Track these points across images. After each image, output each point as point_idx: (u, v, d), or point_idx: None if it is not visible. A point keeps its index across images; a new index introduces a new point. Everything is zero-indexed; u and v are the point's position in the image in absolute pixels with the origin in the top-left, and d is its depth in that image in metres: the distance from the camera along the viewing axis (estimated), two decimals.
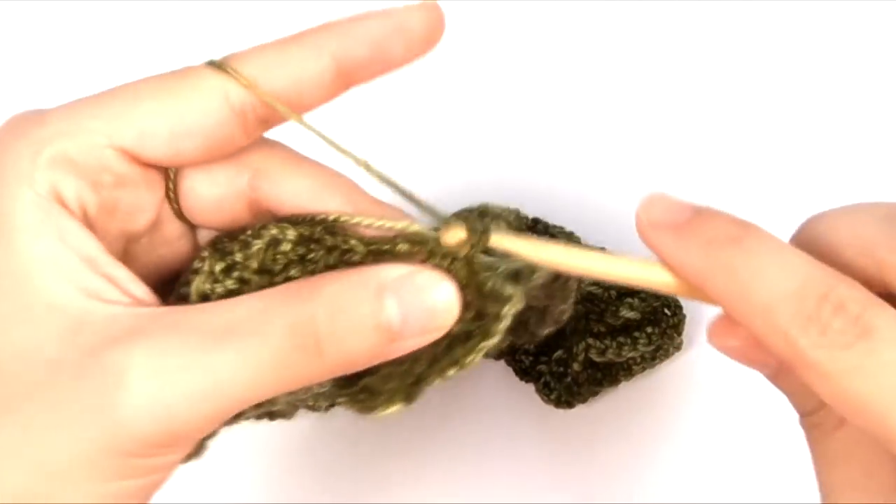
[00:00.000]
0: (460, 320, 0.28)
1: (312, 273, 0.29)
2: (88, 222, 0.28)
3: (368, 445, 0.47)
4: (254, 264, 0.29)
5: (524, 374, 0.46)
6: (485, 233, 0.28)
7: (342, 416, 0.47)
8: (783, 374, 0.28)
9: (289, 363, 0.26)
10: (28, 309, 0.26)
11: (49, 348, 0.25)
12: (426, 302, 0.26)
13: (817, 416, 0.28)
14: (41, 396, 0.25)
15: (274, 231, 0.29)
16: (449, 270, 0.28)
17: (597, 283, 0.41)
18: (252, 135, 0.29)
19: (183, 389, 0.25)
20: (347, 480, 0.47)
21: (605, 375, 0.42)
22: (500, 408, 0.47)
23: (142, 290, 0.28)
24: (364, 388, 0.30)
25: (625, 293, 0.41)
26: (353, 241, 0.29)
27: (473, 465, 0.47)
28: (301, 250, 0.29)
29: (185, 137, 0.28)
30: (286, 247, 0.29)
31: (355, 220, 0.29)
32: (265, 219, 0.31)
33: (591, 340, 0.40)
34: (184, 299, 0.30)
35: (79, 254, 0.26)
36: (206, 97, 0.28)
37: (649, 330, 0.41)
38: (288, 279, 0.29)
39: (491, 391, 0.48)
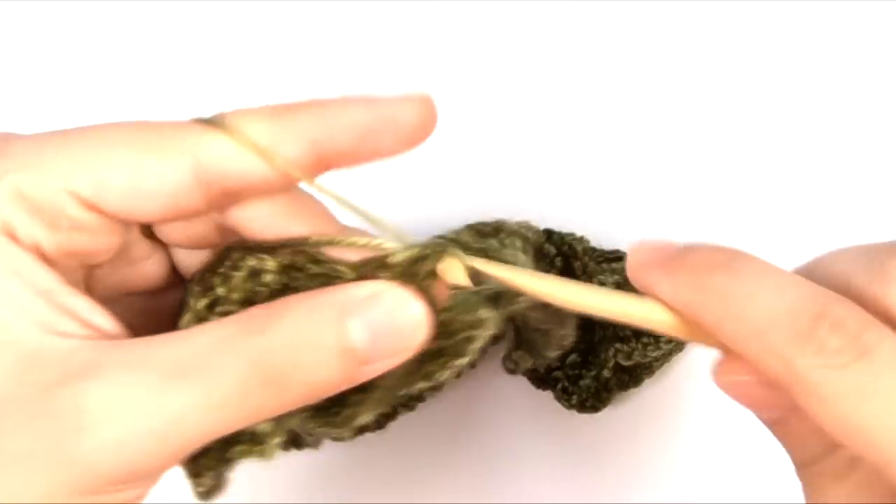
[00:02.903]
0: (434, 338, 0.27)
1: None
2: (44, 257, 0.26)
3: (382, 455, 0.46)
4: (236, 296, 0.28)
5: (540, 382, 0.46)
6: (438, 254, 0.27)
7: None
8: (785, 420, 0.27)
9: (251, 398, 0.25)
10: None
11: (2, 385, 0.24)
12: (394, 322, 0.26)
13: (820, 465, 0.27)
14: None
15: (252, 262, 0.28)
16: (423, 289, 0.27)
17: (619, 287, 0.41)
18: (217, 205, 0.28)
19: (140, 428, 0.24)
20: (360, 490, 0.46)
21: (632, 377, 0.42)
22: (516, 416, 0.47)
23: (104, 319, 0.26)
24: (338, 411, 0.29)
25: None
26: (340, 267, 0.28)
27: (491, 472, 0.47)
28: (284, 279, 0.28)
29: (144, 197, 0.26)
30: (267, 277, 0.28)
31: (326, 241, 0.28)
32: (240, 242, 0.29)
33: (618, 345, 0.40)
34: None
35: (34, 287, 0.26)
36: (171, 162, 0.26)
37: None
38: None
39: (507, 400, 0.47)
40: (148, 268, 0.31)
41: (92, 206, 0.27)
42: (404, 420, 0.45)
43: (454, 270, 0.28)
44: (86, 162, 0.26)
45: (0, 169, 0.26)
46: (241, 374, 0.25)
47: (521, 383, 0.47)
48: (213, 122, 0.27)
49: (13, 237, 0.26)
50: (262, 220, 0.29)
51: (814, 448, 0.27)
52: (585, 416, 0.45)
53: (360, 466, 0.47)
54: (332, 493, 0.47)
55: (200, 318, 0.28)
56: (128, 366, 0.25)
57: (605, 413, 0.45)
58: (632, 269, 0.26)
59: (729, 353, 0.26)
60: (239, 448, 0.28)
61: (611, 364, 0.41)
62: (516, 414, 0.47)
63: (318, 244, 0.28)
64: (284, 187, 0.28)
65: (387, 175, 0.43)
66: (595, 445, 0.47)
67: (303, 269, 0.28)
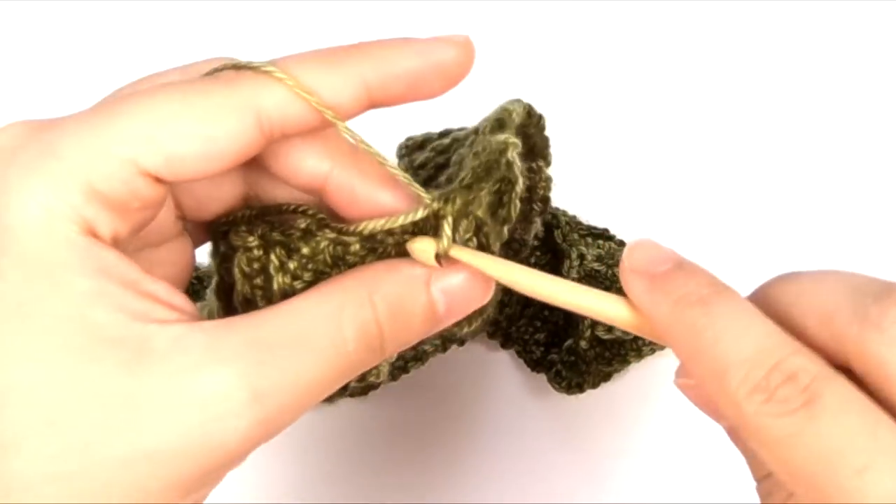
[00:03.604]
0: None
1: (382, 256, 0.30)
2: (119, 245, 0.27)
3: (377, 436, 0.47)
4: (326, 258, 0.30)
5: (536, 364, 0.46)
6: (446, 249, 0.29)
7: (349, 406, 0.47)
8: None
9: (358, 361, 0.27)
10: (88, 347, 0.25)
11: (119, 381, 0.25)
12: (464, 288, 0.29)
13: (769, 482, 0.27)
14: (125, 428, 0.25)
15: (331, 235, 0.30)
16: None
17: (600, 261, 0.41)
18: (269, 147, 0.29)
19: (281, 406, 0.26)
20: (356, 470, 0.47)
21: (614, 355, 0.42)
22: (511, 398, 0.47)
23: (179, 299, 0.27)
24: None
25: None
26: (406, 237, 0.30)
27: (485, 455, 0.47)
28: (368, 245, 0.30)
29: (214, 159, 0.27)
30: (356, 247, 0.30)
31: (371, 227, 0.30)
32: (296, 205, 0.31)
33: None
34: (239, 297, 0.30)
35: (122, 281, 0.26)
36: (238, 119, 0.27)
37: None
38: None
39: (502, 383, 0.48)
40: (161, 222, 0.31)
41: (162, 180, 0.27)
42: (394, 398, 0.46)
43: (426, 252, 0.29)
44: (152, 139, 0.26)
45: (67, 165, 0.26)
46: (353, 343, 0.27)
47: (508, 365, 0.47)
48: (268, 71, 0.27)
49: (94, 234, 0.26)
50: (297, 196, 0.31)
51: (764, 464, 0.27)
52: (572, 400, 0.45)
53: (351, 442, 0.47)
54: (328, 474, 0.47)
55: (294, 277, 0.29)
56: (252, 348, 0.26)
57: (595, 397, 0.45)
58: (623, 269, 0.27)
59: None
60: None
61: (587, 335, 0.40)
62: (503, 395, 0.47)
63: (362, 227, 0.30)
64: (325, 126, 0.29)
65: None
66: (578, 430, 0.47)
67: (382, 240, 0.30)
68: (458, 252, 0.29)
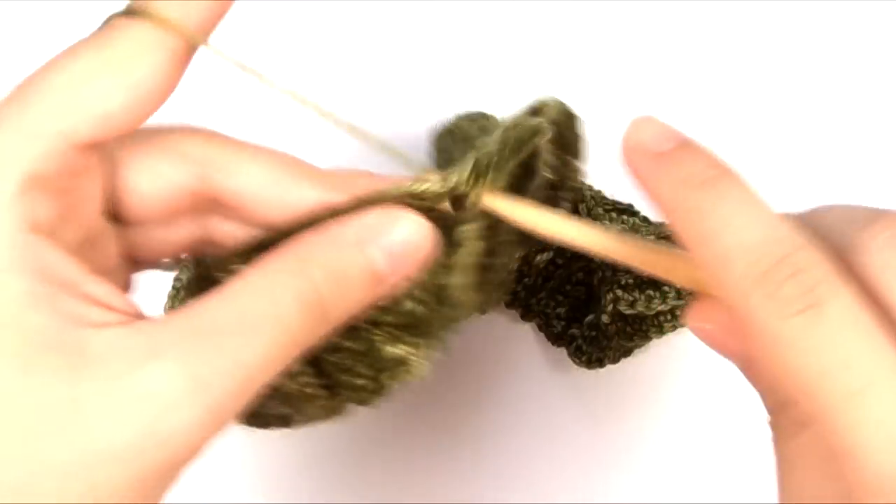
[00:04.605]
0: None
1: None
2: (55, 234, 0.26)
3: (391, 408, 0.47)
4: None
5: (557, 338, 0.46)
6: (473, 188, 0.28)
7: None
8: (754, 366, 0.27)
9: (302, 334, 0.26)
10: (23, 353, 0.24)
11: (58, 388, 0.24)
12: (402, 240, 0.27)
13: (783, 415, 0.26)
14: (70, 433, 0.24)
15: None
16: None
17: None
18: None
19: (224, 389, 0.25)
20: (369, 443, 0.47)
21: (636, 330, 0.42)
22: (531, 372, 0.48)
23: (120, 300, 0.26)
24: None
25: None
26: None
27: (504, 428, 0.47)
28: None
29: (144, 104, 0.26)
30: None
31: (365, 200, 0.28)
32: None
33: (619, 292, 0.40)
34: None
35: (60, 283, 0.25)
36: (155, 59, 0.26)
37: None
38: None
39: (522, 356, 0.48)
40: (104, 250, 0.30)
41: (91, 145, 0.26)
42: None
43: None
44: (81, 105, 0.25)
45: (9, 149, 0.25)
46: (295, 316, 0.26)
47: (528, 338, 0.47)
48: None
49: (36, 226, 0.25)
50: (256, 187, 0.29)
51: (778, 396, 0.27)
52: (592, 374, 0.45)
53: (368, 420, 0.48)
54: (338, 454, 0.48)
55: None
56: (190, 338, 0.25)
57: (615, 372, 0.46)
58: (625, 148, 0.26)
59: (701, 299, 0.27)
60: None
61: (609, 309, 0.40)
62: (523, 368, 0.48)
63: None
64: None
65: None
66: (597, 405, 0.47)
67: None
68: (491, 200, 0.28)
